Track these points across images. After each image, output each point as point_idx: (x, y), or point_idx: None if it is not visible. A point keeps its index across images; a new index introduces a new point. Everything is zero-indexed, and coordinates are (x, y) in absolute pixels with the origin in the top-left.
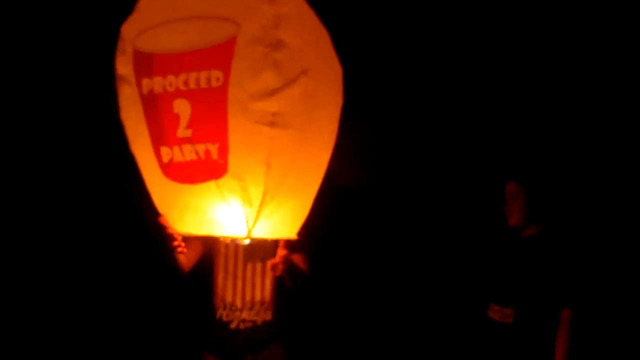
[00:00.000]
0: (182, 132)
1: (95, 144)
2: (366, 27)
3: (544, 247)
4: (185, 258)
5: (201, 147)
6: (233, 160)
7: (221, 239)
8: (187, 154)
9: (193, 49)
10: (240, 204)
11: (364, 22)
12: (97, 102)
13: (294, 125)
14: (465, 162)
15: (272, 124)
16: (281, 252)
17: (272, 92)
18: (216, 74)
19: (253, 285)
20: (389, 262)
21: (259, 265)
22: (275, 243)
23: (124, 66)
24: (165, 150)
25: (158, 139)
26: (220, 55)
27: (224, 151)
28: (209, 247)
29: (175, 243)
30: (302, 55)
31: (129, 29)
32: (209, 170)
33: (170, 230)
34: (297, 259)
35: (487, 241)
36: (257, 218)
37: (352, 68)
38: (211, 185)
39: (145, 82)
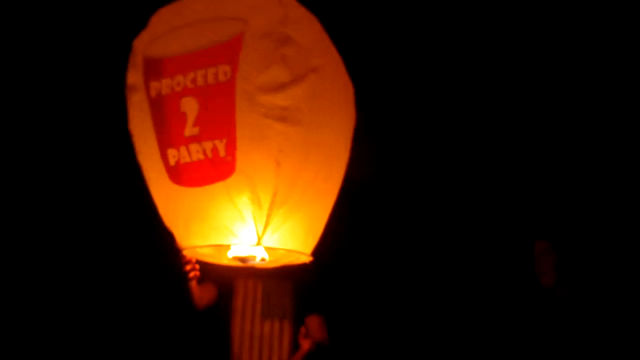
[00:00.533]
0: (190, 130)
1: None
2: (370, 31)
3: (580, 305)
4: (199, 293)
5: (208, 145)
6: (241, 156)
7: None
8: (194, 153)
9: (201, 48)
10: (249, 206)
11: (368, 27)
12: (111, 114)
13: (303, 123)
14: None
15: (281, 119)
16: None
17: (281, 87)
18: (224, 68)
19: (270, 347)
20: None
21: (276, 325)
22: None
23: (133, 76)
24: (171, 153)
25: (165, 142)
26: (228, 51)
27: (231, 147)
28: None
29: (188, 267)
30: (312, 54)
31: (139, 42)
32: (216, 170)
33: (186, 257)
34: (314, 324)
35: (519, 302)
36: (267, 222)
37: (358, 68)
38: (219, 187)
39: (154, 85)
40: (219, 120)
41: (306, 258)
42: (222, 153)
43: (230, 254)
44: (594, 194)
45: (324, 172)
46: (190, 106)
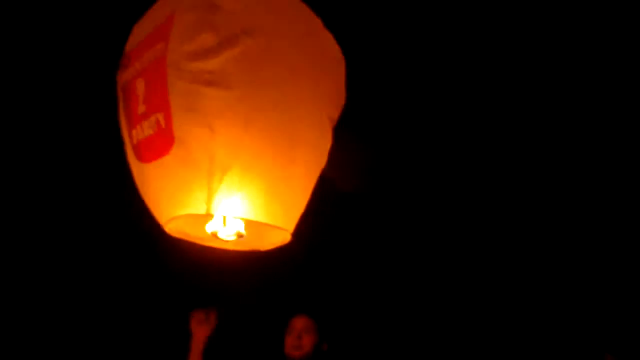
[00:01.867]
0: (141, 108)
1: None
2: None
3: None
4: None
5: (153, 119)
6: (177, 126)
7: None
8: (145, 129)
9: (148, 33)
10: (193, 174)
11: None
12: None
13: (236, 86)
14: None
15: (209, 84)
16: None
17: (208, 52)
18: (159, 45)
19: None
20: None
21: None
22: None
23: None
24: (134, 133)
25: (128, 124)
26: (163, 30)
27: (168, 118)
28: None
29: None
30: (243, 16)
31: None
32: (162, 143)
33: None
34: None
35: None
36: (211, 190)
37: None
38: (166, 159)
39: (122, 76)
40: (158, 94)
41: (284, 234)
42: (163, 124)
43: (208, 228)
44: None
45: (283, 140)
46: (140, 87)
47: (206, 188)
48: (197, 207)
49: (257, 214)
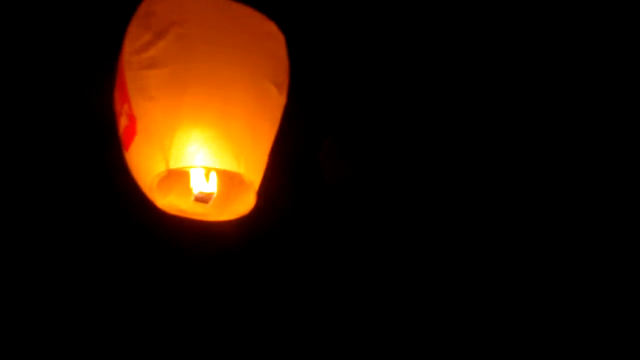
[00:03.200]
0: (117, 107)
1: None
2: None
3: None
4: None
5: (124, 110)
6: (134, 107)
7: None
8: (122, 122)
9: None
10: (153, 146)
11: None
12: None
13: (171, 63)
14: None
15: (149, 67)
16: None
17: (147, 45)
18: (123, 49)
19: None
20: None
21: None
22: None
23: None
24: (119, 129)
25: (117, 125)
26: (123, 40)
27: (129, 104)
28: None
29: None
30: (173, 14)
31: None
32: (131, 127)
33: None
34: None
35: None
36: (165, 149)
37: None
38: (136, 140)
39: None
40: (122, 89)
41: (249, 199)
42: (129, 112)
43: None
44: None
45: (218, 99)
46: (119, 84)
47: (161, 150)
48: (159, 169)
49: (216, 162)
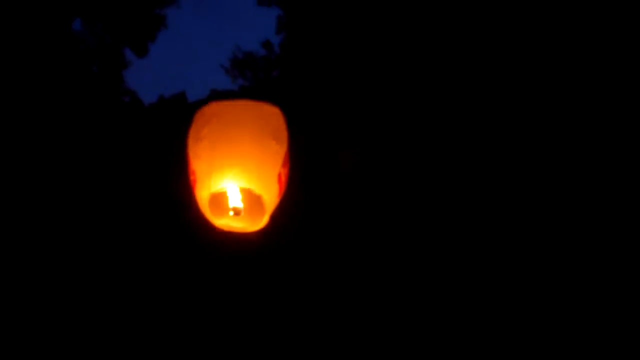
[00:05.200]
0: (190, 168)
1: None
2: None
3: None
4: None
5: (190, 169)
6: (193, 166)
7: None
8: (191, 176)
9: None
10: (202, 184)
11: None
12: None
13: (209, 138)
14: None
15: (198, 140)
16: None
17: (199, 130)
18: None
19: None
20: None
21: None
22: None
23: None
24: (191, 180)
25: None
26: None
27: (191, 165)
28: None
29: None
30: (213, 111)
31: None
32: (193, 178)
33: None
34: None
35: None
36: (209, 185)
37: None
38: (197, 186)
39: None
40: (188, 159)
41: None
42: (192, 169)
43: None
44: None
45: (238, 152)
46: (188, 158)
47: (208, 185)
48: (206, 194)
49: (240, 184)
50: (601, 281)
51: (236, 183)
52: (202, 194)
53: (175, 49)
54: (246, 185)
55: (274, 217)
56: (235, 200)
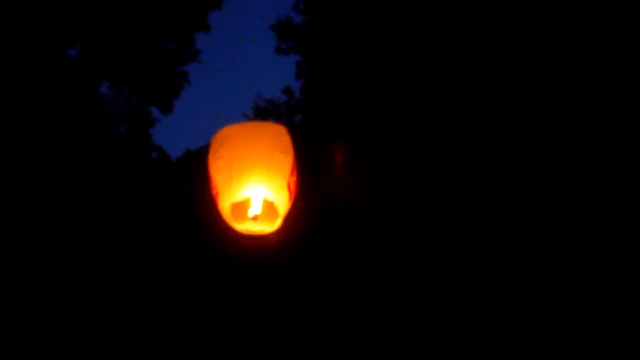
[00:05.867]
0: (212, 184)
1: None
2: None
3: None
4: None
5: (212, 185)
6: (214, 181)
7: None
8: (213, 191)
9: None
10: (223, 196)
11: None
12: None
13: (226, 156)
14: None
15: (217, 159)
16: None
17: (217, 151)
18: (209, 158)
19: None
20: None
21: None
22: None
23: None
24: (214, 195)
25: None
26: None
27: (212, 180)
28: None
29: None
30: (228, 133)
31: None
32: (215, 192)
33: None
34: None
35: None
36: (229, 195)
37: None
38: (219, 199)
39: None
40: (209, 177)
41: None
42: (213, 185)
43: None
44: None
45: (249, 165)
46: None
47: (228, 196)
48: (228, 204)
49: (260, 192)
50: (601, 281)
51: (252, 192)
52: (224, 204)
53: (199, 102)
54: (260, 193)
55: (288, 220)
56: (254, 207)
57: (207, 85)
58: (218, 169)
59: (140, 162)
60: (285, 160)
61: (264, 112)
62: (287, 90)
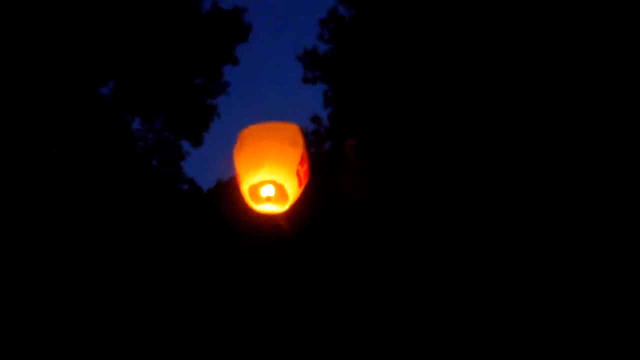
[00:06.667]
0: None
1: None
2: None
3: None
4: None
5: (236, 173)
6: (237, 170)
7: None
8: (238, 178)
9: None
10: (244, 181)
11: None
12: None
13: (246, 150)
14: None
15: (239, 151)
16: None
17: (240, 147)
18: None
19: None
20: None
21: None
22: None
23: None
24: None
25: None
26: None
27: (237, 169)
28: None
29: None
30: (247, 133)
31: None
32: (238, 178)
33: None
34: None
35: None
36: (248, 179)
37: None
38: (241, 183)
39: None
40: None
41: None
42: (237, 173)
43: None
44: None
45: (264, 155)
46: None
47: (247, 180)
48: (247, 187)
49: (269, 178)
50: (601, 281)
51: (266, 177)
52: (244, 188)
53: (228, 134)
54: (272, 178)
55: (298, 204)
56: (267, 190)
57: (237, 117)
58: (240, 159)
59: (172, 194)
60: (295, 152)
61: None
62: (316, 119)
